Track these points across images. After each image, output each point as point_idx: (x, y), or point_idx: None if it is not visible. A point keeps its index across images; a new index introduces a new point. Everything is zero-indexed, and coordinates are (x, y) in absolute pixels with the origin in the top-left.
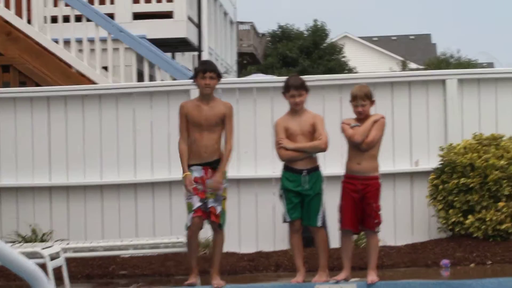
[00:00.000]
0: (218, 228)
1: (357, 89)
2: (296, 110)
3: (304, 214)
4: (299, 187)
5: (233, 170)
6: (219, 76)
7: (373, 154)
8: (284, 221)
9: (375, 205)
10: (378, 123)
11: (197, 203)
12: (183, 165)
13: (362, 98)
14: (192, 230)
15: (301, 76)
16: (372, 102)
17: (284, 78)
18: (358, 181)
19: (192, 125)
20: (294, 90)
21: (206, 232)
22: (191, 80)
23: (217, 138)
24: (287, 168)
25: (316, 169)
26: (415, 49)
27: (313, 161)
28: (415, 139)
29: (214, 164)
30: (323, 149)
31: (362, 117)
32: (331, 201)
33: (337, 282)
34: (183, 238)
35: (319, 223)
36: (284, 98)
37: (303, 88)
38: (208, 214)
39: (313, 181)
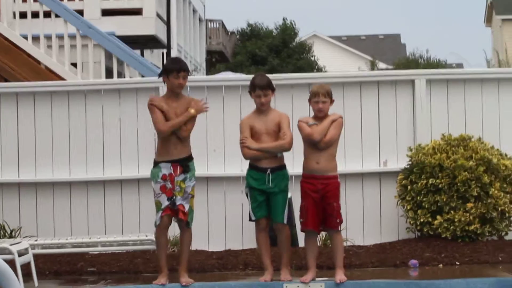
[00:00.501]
0: (185, 226)
1: (318, 86)
2: (262, 109)
3: (271, 211)
4: (263, 185)
5: (202, 168)
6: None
7: (331, 153)
8: (250, 219)
9: (336, 205)
10: (336, 122)
11: (165, 202)
12: (180, 121)
13: (323, 95)
14: (161, 228)
15: (270, 75)
16: (332, 101)
17: (248, 76)
18: (317, 181)
19: (160, 115)
20: (260, 90)
21: (174, 230)
22: (160, 78)
23: (187, 136)
24: (252, 167)
25: (281, 168)
26: (384, 49)
27: (279, 160)
28: (383, 139)
29: (184, 162)
30: (287, 149)
31: (321, 116)
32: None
33: (305, 283)
34: (151, 236)
35: (285, 220)
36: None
37: (269, 88)
38: (176, 211)
39: (278, 179)
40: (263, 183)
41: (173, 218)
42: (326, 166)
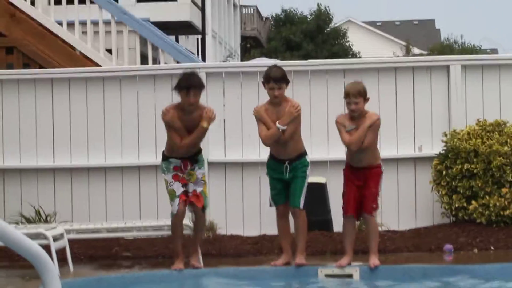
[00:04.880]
0: (201, 211)
1: (350, 86)
2: (275, 101)
3: (288, 196)
4: (281, 175)
5: (237, 153)
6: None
7: (373, 150)
8: (270, 205)
9: (374, 190)
10: (374, 127)
11: (179, 189)
12: (195, 137)
13: (354, 96)
14: (178, 216)
15: (304, 61)
16: (366, 99)
17: (288, 62)
18: (360, 172)
19: (174, 130)
20: (274, 83)
21: (209, 215)
22: (194, 63)
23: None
24: (271, 156)
25: (299, 157)
26: (418, 35)
27: (298, 149)
28: (418, 125)
29: (194, 156)
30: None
31: (355, 114)
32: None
33: (341, 267)
34: (186, 221)
35: (301, 205)
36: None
37: (283, 80)
38: (190, 198)
39: (296, 169)
40: (281, 173)
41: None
42: (369, 161)
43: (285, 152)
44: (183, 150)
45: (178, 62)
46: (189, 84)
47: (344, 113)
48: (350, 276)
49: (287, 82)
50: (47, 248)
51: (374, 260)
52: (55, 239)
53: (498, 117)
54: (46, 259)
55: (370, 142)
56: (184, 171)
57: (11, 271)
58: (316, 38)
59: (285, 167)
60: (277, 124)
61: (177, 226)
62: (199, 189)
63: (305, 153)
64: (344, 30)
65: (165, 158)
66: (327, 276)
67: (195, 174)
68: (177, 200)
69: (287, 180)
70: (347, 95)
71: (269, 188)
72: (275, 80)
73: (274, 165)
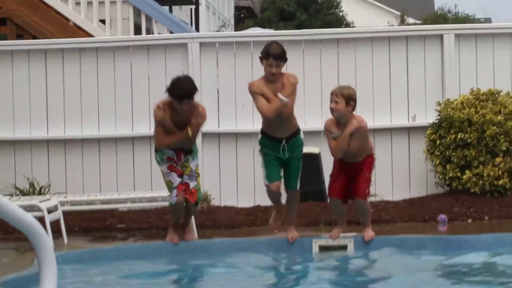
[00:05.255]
0: (193, 206)
1: (338, 86)
2: (271, 79)
3: (285, 177)
4: (278, 154)
5: (231, 124)
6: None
7: (364, 146)
8: (265, 184)
9: (368, 175)
10: (357, 134)
11: (176, 180)
12: (175, 141)
13: (336, 95)
14: (175, 208)
15: (298, 30)
16: (350, 104)
17: (281, 32)
18: (351, 165)
19: (163, 128)
20: (273, 60)
21: (202, 186)
22: (188, 33)
23: None
24: (265, 135)
25: (295, 134)
26: (413, 4)
27: (292, 126)
28: (412, 94)
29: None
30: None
31: (335, 115)
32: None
33: (334, 238)
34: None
35: (298, 186)
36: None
37: (282, 59)
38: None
39: (293, 147)
40: (277, 151)
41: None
42: (361, 156)
43: (283, 130)
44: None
45: (171, 33)
46: (182, 94)
47: (331, 117)
48: (345, 247)
49: (285, 60)
50: (41, 220)
51: (368, 232)
52: (49, 211)
53: (491, 86)
54: (40, 231)
55: (356, 148)
56: (177, 162)
57: (6, 244)
58: (310, 8)
59: (282, 146)
60: (279, 96)
61: (174, 214)
62: (192, 184)
63: (299, 130)
64: (338, 0)
65: (157, 149)
66: (321, 247)
67: (189, 166)
68: (174, 191)
69: (282, 158)
70: (330, 93)
71: (263, 166)
72: (275, 57)
73: (269, 143)
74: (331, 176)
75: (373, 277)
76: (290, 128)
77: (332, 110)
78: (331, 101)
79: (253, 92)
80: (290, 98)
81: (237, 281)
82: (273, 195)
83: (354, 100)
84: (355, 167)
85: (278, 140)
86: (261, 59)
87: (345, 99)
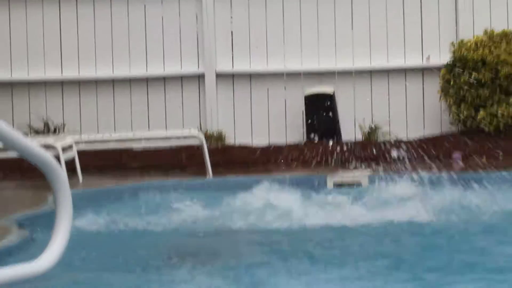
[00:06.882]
0: None
1: None
2: None
3: None
4: None
5: (245, 64)
6: None
7: None
8: None
9: None
10: None
11: None
12: None
13: None
14: None
15: None
16: None
17: None
18: None
19: None
20: None
21: (217, 125)
22: None
23: None
24: None
25: None
26: None
27: None
28: (426, 35)
29: None
30: None
31: None
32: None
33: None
34: (195, 131)
35: None
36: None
37: None
38: None
39: None
40: None
41: None
42: None
43: None
44: None
45: None
46: None
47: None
48: (359, 184)
49: None
50: (56, 159)
51: None
52: (64, 150)
53: (505, 26)
54: (55, 166)
55: None
56: None
57: (22, 182)
58: None
59: None
60: None
61: None
62: None
63: None
64: None
65: None
66: (336, 184)
67: None
68: None
69: None
70: None
71: None
72: None
73: None
74: None
75: (387, 213)
76: None
77: None
78: None
79: None
80: None
81: (251, 215)
82: None
83: None
84: None
85: None
86: None
87: None
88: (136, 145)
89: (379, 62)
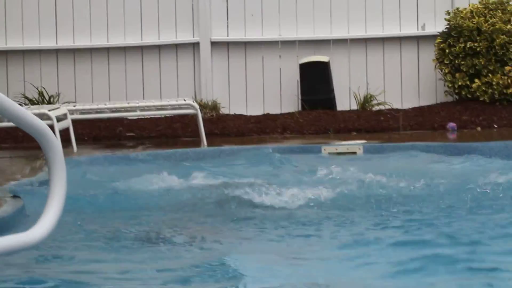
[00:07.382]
0: None
1: None
2: None
3: None
4: None
5: (240, 32)
6: None
7: None
8: None
9: None
10: None
11: None
12: None
13: None
14: None
15: None
16: None
17: None
18: None
19: None
20: None
21: (213, 94)
22: None
23: None
24: None
25: None
26: None
27: None
28: (421, 3)
29: None
30: None
31: None
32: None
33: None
34: (189, 100)
35: None
36: None
37: None
38: None
39: None
40: None
41: None
42: None
43: None
44: None
45: None
46: None
47: None
48: (354, 153)
49: None
50: (50, 128)
51: None
52: (59, 119)
53: None
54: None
55: None
56: None
57: (16, 152)
58: None
59: None
60: None
61: None
62: None
63: None
64: None
65: None
66: (331, 153)
67: None
68: None
69: None
70: None
71: None
72: None
73: None
74: None
75: (381, 181)
76: None
77: None
78: None
79: None
80: None
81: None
82: None
83: None
84: None
85: None
86: None
87: None
88: (131, 114)
89: (374, 30)
